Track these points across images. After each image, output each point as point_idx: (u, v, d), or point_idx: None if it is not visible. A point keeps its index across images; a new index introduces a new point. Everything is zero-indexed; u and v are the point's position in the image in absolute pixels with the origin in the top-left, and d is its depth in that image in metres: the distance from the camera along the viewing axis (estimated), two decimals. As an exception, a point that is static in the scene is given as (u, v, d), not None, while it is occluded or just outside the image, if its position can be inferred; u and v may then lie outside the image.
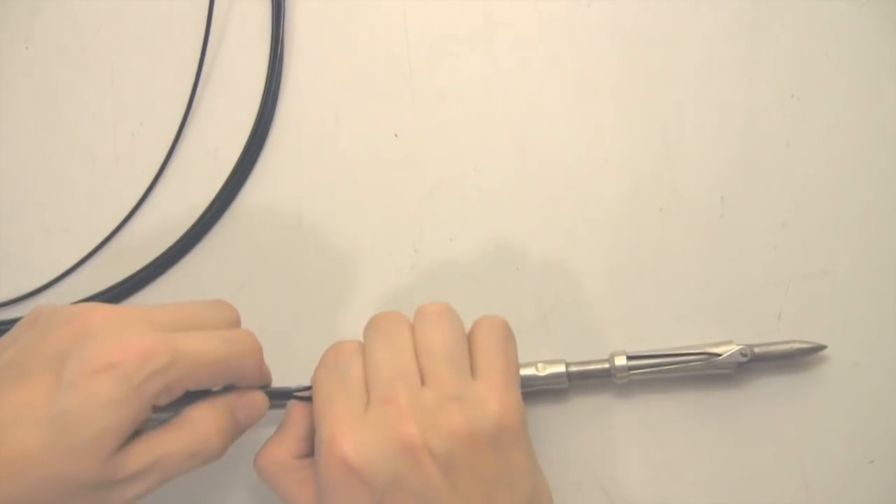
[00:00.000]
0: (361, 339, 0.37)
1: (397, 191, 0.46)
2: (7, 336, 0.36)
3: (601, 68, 0.46)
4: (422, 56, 0.47)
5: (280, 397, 0.38)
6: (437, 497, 0.33)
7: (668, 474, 0.41)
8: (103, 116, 0.48)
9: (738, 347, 0.40)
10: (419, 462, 0.33)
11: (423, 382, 0.35)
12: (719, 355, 0.40)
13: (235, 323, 0.38)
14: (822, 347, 0.41)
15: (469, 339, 0.37)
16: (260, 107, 0.47)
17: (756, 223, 0.44)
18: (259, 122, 0.46)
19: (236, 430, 0.36)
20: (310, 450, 0.37)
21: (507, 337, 0.37)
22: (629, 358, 0.41)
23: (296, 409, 0.38)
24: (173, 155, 0.47)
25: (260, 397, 0.37)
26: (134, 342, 0.33)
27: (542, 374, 0.40)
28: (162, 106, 0.47)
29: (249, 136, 0.46)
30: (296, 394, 0.38)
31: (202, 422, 0.35)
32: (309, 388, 0.38)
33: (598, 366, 0.41)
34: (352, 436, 0.33)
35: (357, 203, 0.46)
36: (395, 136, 0.46)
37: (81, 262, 0.46)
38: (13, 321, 0.45)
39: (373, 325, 0.37)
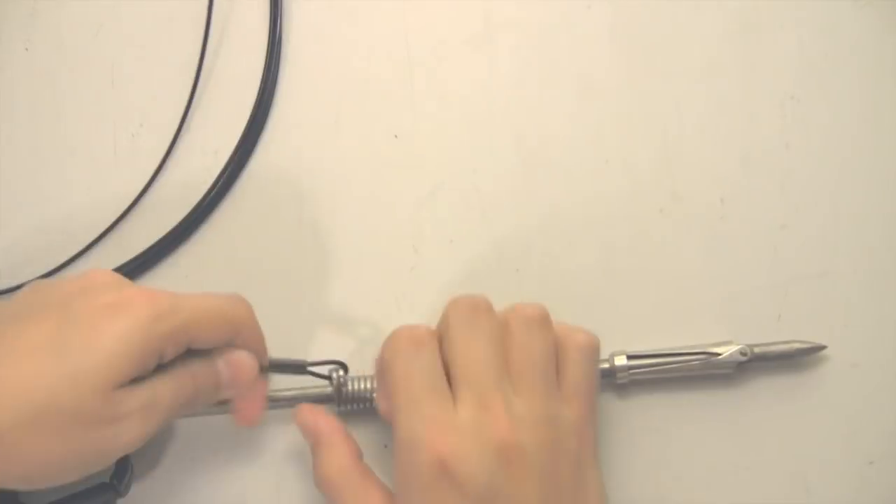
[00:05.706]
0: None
1: (397, 192, 0.46)
2: (8, 301, 0.37)
3: (601, 69, 0.46)
4: (422, 57, 0.47)
5: (293, 370, 0.38)
6: None
7: (668, 474, 0.41)
8: (103, 117, 0.48)
9: (738, 347, 0.40)
10: (515, 473, 0.33)
11: (513, 389, 0.35)
12: (719, 355, 0.40)
13: None
14: (822, 347, 0.41)
15: (559, 350, 0.37)
16: (254, 107, 0.47)
17: (756, 224, 0.44)
18: (252, 122, 0.46)
19: (219, 386, 0.37)
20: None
21: (597, 359, 0.39)
22: (629, 357, 0.41)
23: (328, 420, 0.38)
24: (173, 156, 0.47)
25: (245, 356, 0.37)
26: (139, 290, 0.35)
27: (542, 374, 0.40)
28: (162, 107, 0.47)
29: (242, 137, 0.46)
30: (310, 368, 0.38)
31: (187, 372, 0.35)
32: (322, 363, 0.39)
33: (599, 365, 0.41)
34: (450, 439, 0.33)
35: (357, 204, 0.45)
36: (395, 137, 0.46)
37: (77, 256, 0.46)
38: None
39: (460, 310, 0.37)
